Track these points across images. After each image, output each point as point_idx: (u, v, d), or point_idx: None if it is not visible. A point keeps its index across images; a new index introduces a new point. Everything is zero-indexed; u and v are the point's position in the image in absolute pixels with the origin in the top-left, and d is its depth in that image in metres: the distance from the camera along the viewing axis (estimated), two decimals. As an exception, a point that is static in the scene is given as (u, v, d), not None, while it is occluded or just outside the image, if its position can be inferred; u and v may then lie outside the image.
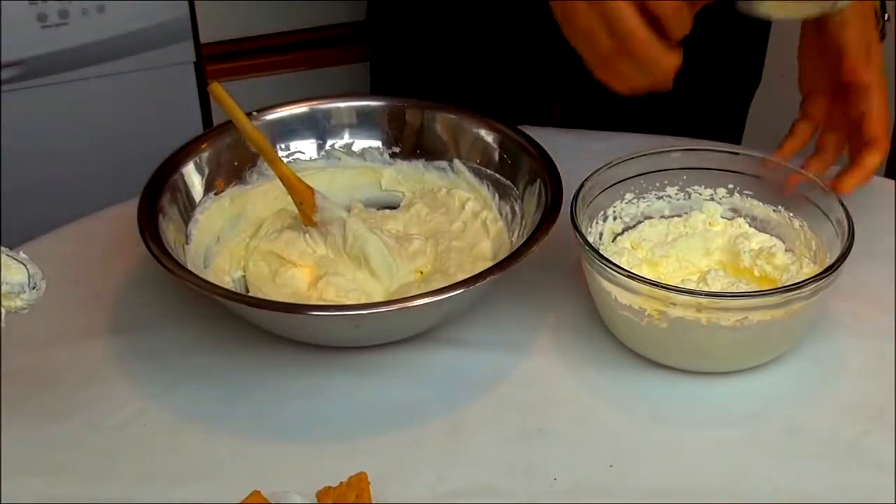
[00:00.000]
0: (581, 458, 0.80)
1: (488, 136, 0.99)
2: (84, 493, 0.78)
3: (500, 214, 0.97)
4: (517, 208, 0.95)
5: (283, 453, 0.81)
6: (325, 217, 0.94)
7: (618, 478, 0.78)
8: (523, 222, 0.94)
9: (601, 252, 0.85)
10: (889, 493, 0.76)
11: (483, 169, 0.99)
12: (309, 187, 0.94)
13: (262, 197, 0.99)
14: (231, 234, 0.97)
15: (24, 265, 0.73)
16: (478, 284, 0.83)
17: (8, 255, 0.73)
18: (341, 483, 0.76)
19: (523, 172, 0.96)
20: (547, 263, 0.94)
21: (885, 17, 0.97)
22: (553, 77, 1.21)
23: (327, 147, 1.02)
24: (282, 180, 0.94)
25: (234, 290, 0.92)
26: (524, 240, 0.87)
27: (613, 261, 0.84)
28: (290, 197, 0.95)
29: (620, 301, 0.84)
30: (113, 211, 1.03)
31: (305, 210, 0.94)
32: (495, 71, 1.18)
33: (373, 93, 1.26)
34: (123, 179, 1.02)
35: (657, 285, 0.82)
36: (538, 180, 0.93)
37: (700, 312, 0.81)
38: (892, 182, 1.05)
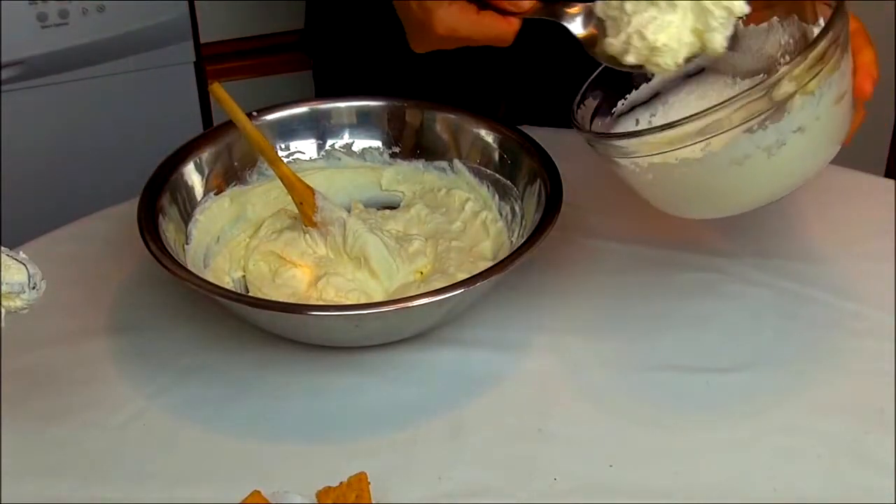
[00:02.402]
0: (581, 458, 0.80)
1: (488, 136, 0.99)
2: (84, 493, 0.78)
3: (500, 214, 0.97)
4: (517, 208, 0.95)
5: (283, 453, 0.81)
6: (326, 217, 0.94)
7: (618, 478, 0.78)
8: (523, 222, 0.94)
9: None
10: (889, 493, 0.76)
11: (483, 169, 0.99)
12: (309, 187, 0.94)
13: (262, 197, 0.99)
14: (231, 234, 0.97)
15: (24, 265, 0.73)
16: (478, 284, 0.83)
17: (8, 255, 0.73)
18: (341, 483, 0.76)
19: (523, 172, 0.96)
20: (547, 263, 0.94)
21: None
22: (497, 78, 1.21)
23: (327, 147, 1.02)
24: (282, 180, 0.94)
25: (234, 290, 0.92)
26: (524, 240, 0.87)
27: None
28: (290, 197, 0.95)
29: (631, 168, 0.81)
30: (113, 211, 1.03)
31: (305, 210, 0.94)
32: (441, 73, 1.18)
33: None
34: (123, 179, 1.02)
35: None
36: (538, 180, 0.93)
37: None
38: (892, 182, 1.05)
